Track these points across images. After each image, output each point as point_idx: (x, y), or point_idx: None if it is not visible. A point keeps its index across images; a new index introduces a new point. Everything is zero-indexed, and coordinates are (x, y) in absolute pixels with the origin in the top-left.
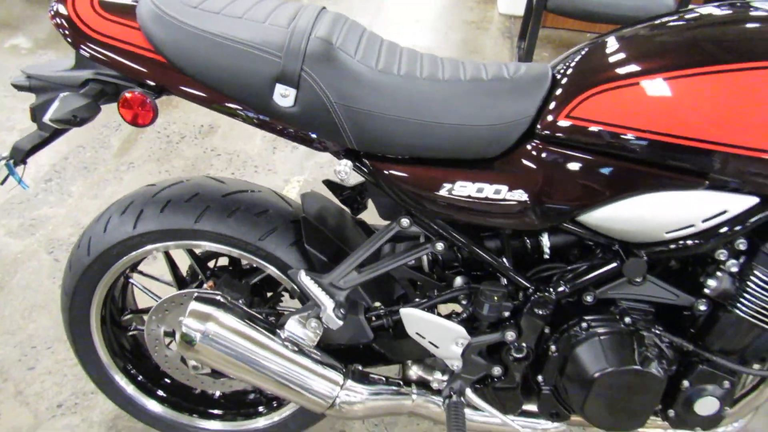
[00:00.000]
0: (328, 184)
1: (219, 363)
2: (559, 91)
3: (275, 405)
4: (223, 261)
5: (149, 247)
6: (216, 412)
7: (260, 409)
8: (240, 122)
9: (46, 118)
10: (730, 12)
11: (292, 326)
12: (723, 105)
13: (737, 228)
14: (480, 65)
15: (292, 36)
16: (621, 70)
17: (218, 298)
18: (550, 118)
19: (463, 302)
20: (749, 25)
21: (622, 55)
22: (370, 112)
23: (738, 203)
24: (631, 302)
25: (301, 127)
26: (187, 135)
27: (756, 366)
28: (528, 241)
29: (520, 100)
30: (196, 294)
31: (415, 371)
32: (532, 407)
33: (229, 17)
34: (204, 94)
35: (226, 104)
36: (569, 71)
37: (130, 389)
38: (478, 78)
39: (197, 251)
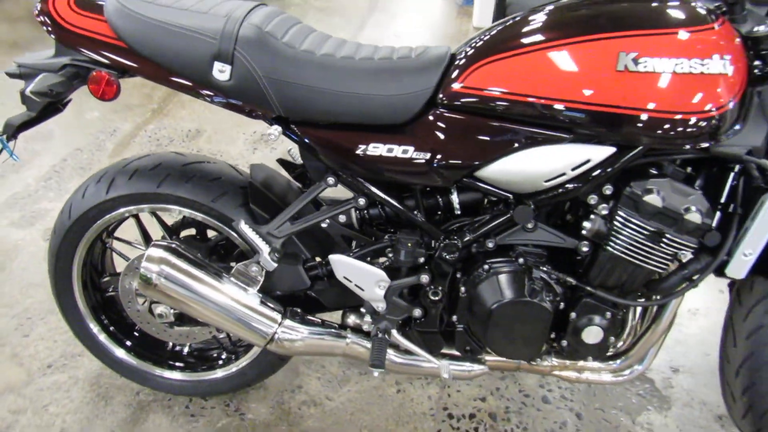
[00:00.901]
0: (282, 162)
1: (171, 300)
2: (455, 66)
3: (233, 357)
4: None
5: (121, 209)
6: (179, 364)
7: (219, 361)
8: (224, 126)
9: (27, 91)
10: None
11: (237, 271)
12: (579, 70)
13: (600, 173)
14: (392, 48)
15: (227, 22)
16: (503, 45)
17: (173, 245)
18: (447, 88)
19: (388, 253)
20: (607, 6)
21: (506, 33)
22: (293, 84)
23: (598, 153)
24: (527, 247)
25: (237, 98)
26: (176, 138)
27: (639, 299)
28: (440, 199)
29: (422, 74)
30: (153, 242)
31: (352, 319)
32: (456, 352)
33: (178, 9)
34: (157, 73)
35: (176, 79)
36: (466, 49)
37: (102, 337)
38: (387, 57)
39: (167, 219)
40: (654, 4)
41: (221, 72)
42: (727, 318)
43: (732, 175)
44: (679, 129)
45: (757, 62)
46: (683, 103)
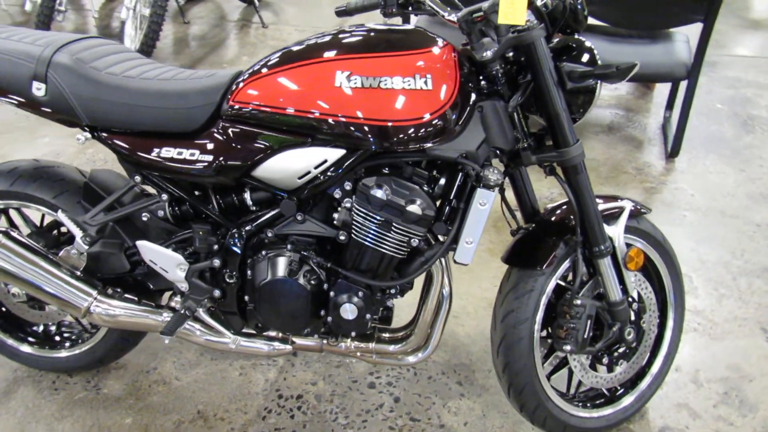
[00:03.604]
0: None
1: (6, 276)
2: (234, 86)
3: (79, 341)
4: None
5: None
6: (32, 339)
7: (66, 343)
8: None
9: None
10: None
11: (62, 255)
12: (309, 87)
13: (336, 171)
14: (192, 71)
15: (44, 50)
16: (263, 66)
17: (11, 233)
18: (225, 104)
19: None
20: (341, 35)
21: (271, 56)
22: (95, 99)
23: (333, 154)
24: (300, 236)
25: (53, 110)
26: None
27: (389, 281)
28: (236, 197)
29: (207, 92)
30: None
31: (174, 300)
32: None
33: (6, 40)
34: None
35: (7, 96)
36: (245, 71)
37: None
38: (181, 78)
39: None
40: (385, 33)
41: (38, 89)
42: (495, 305)
43: (460, 175)
44: (388, 134)
45: (483, 82)
46: (389, 113)
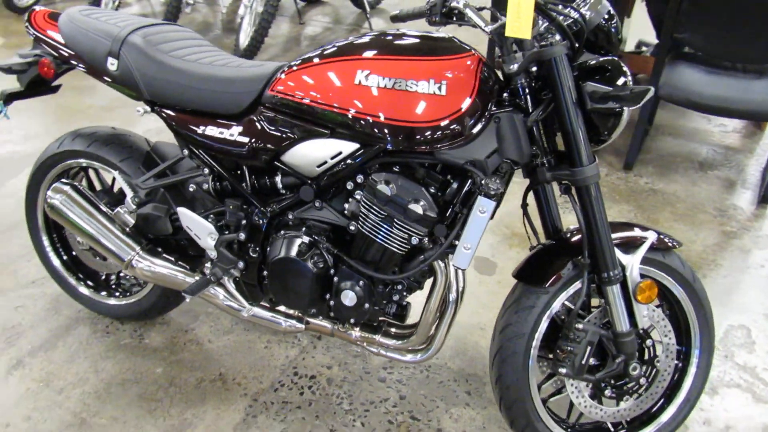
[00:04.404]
0: None
1: (65, 222)
2: (275, 76)
3: (128, 293)
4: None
5: (66, 161)
6: (90, 283)
7: (117, 293)
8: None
9: None
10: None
11: (116, 211)
12: (333, 82)
13: (350, 163)
14: (242, 60)
15: (119, 31)
16: (299, 61)
17: (74, 184)
18: (265, 92)
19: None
20: (373, 37)
21: (312, 51)
22: (155, 77)
23: (347, 147)
24: (316, 222)
25: (121, 84)
26: None
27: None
28: (268, 179)
29: (251, 80)
30: (61, 180)
31: (206, 267)
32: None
33: (96, 20)
34: (78, 62)
35: (86, 67)
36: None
37: (49, 250)
38: (230, 64)
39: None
40: (415, 38)
41: (112, 64)
42: (497, 316)
43: (468, 182)
44: (395, 133)
45: (506, 95)
46: (398, 113)
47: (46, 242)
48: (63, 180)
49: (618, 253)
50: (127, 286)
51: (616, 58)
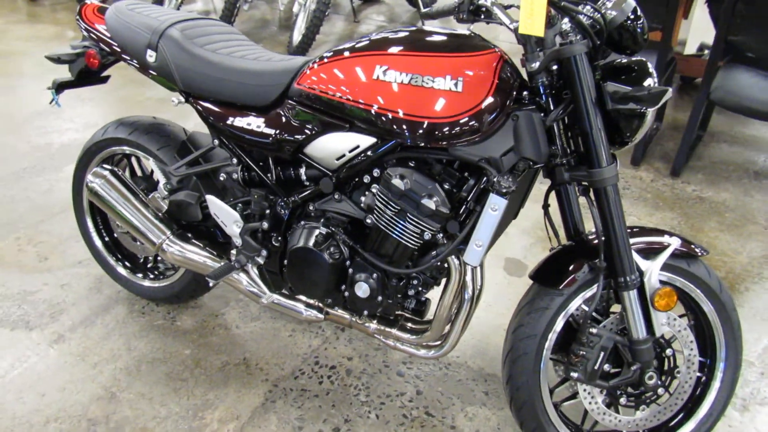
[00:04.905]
0: None
1: (104, 205)
2: (301, 69)
3: (161, 276)
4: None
5: (110, 148)
6: (127, 264)
7: (151, 275)
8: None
9: (46, 54)
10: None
11: (150, 196)
12: (353, 76)
13: (367, 157)
14: (273, 54)
15: (159, 25)
16: (324, 55)
17: (113, 169)
18: (292, 86)
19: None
20: (395, 32)
21: (336, 46)
22: (189, 69)
23: (365, 141)
24: (335, 214)
25: (159, 74)
26: None
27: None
28: (293, 171)
29: (279, 73)
30: (101, 165)
31: (231, 252)
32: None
33: (139, 14)
34: (120, 54)
35: (129, 59)
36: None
37: (92, 232)
38: (259, 58)
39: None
40: (437, 35)
41: (150, 56)
42: (512, 315)
43: (483, 178)
44: (411, 128)
45: (525, 92)
46: (415, 108)
47: (90, 224)
48: (104, 165)
49: (638, 258)
50: (161, 270)
51: (643, 59)
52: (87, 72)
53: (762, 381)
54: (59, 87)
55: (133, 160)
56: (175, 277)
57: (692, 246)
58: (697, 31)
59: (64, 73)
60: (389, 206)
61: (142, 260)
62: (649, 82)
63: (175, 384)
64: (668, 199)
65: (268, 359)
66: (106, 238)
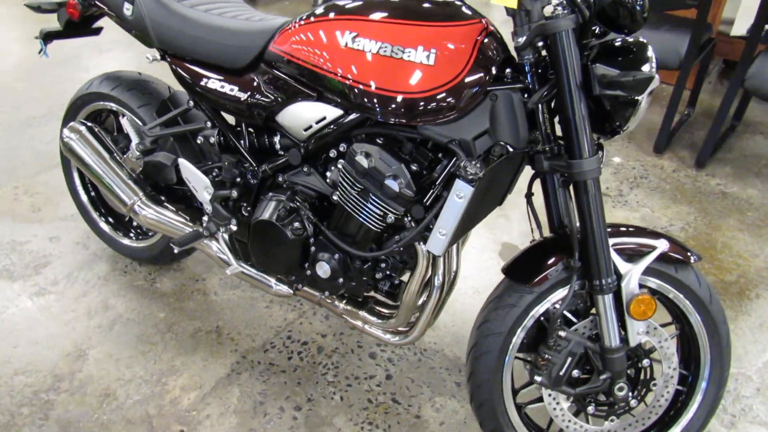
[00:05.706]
0: None
1: (77, 160)
2: (276, 32)
3: (141, 237)
4: None
5: (93, 103)
6: (110, 219)
7: (132, 234)
8: None
9: (24, 3)
10: None
11: (126, 156)
12: (322, 41)
13: (332, 130)
14: (254, 13)
15: None
16: (299, 18)
17: (89, 125)
18: (267, 48)
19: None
20: None
21: (310, 11)
22: (164, 25)
23: (332, 112)
24: (303, 188)
25: (134, 29)
26: None
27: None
28: (266, 139)
29: (256, 34)
30: (78, 120)
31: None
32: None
33: None
34: (100, 5)
35: (108, 12)
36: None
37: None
38: (238, 16)
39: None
40: (423, 3)
41: (127, 10)
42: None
43: (454, 160)
44: (379, 103)
45: (508, 70)
46: (382, 81)
47: (76, 179)
48: (82, 120)
49: (618, 260)
50: (143, 230)
51: (644, 41)
52: (77, 23)
53: (756, 398)
54: (47, 36)
55: (121, 117)
56: (155, 239)
57: (683, 250)
58: (748, 10)
59: (54, 23)
60: (353, 185)
61: (127, 219)
62: (647, 67)
63: (144, 347)
64: (688, 192)
65: (241, 329)
66: (92, 193)
